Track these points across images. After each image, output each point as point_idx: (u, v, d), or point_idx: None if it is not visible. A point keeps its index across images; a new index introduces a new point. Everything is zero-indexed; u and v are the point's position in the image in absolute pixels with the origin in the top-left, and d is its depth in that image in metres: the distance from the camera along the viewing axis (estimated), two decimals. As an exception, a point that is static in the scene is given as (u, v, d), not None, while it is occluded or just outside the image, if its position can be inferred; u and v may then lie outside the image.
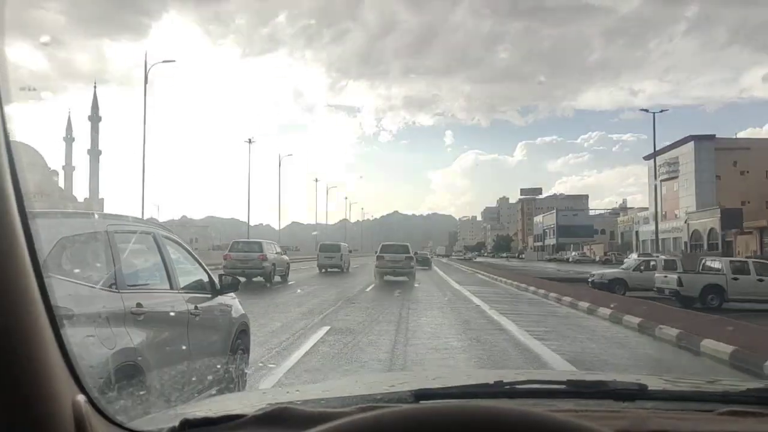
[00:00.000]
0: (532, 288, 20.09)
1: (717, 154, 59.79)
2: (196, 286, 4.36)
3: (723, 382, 1.69)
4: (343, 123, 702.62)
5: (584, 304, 13.99)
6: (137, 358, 2.97)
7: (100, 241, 3.23)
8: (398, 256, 24.11)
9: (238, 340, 4.80)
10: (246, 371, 4.86)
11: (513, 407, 0.72)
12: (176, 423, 1.04)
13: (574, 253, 77.17)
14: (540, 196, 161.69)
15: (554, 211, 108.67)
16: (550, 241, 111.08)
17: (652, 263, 21.85)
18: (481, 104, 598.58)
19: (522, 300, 17.42)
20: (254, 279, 20.18)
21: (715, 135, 62.67)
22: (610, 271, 23.10)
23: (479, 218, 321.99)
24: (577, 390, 1.27)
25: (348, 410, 1.03)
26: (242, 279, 14.58)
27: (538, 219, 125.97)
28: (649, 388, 1.26)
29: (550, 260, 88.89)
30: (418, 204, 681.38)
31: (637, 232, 70.41)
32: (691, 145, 60.92)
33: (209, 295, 4.43)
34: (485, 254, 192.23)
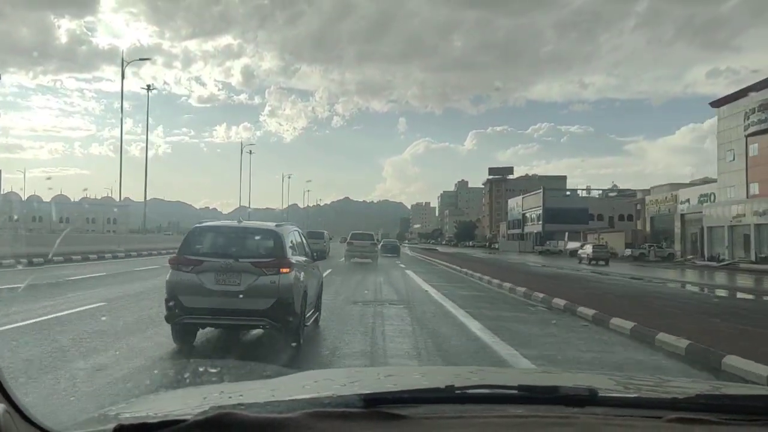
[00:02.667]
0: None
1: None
2: (307, 256, 8.61)
3: (673, 384, 1.66)
4: (295, 107, 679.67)
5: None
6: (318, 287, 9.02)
7: (300, 236, 8.65)
8: (365, 242, 30.34)
9: (321, 285, 9.61)
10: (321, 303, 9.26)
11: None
12: (110, 429, 1.00)
13: (587, 246, 57.51)
14: (511, 176, 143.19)
15: (540, 191, 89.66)
16: (533, 227, 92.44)
17: None
18: (434, 92, 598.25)
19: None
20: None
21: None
22: None
23: (433, 204, 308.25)
24: (528, 395, 1.26)
25: (294, 416, 1.01)
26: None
27: (513, 202, 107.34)
28: (600, 394, 1.26)
29: (542, 252, 69.88)
30: (369, 191, 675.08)
31: (683, 216, 51.44)
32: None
33: (311, 261, 8.84)
34: (444, 243, 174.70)
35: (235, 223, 7.94)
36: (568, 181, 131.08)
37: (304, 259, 8.03)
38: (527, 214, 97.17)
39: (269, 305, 6.66)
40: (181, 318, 6.75)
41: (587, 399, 1.22)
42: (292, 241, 7.65)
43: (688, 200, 51.87)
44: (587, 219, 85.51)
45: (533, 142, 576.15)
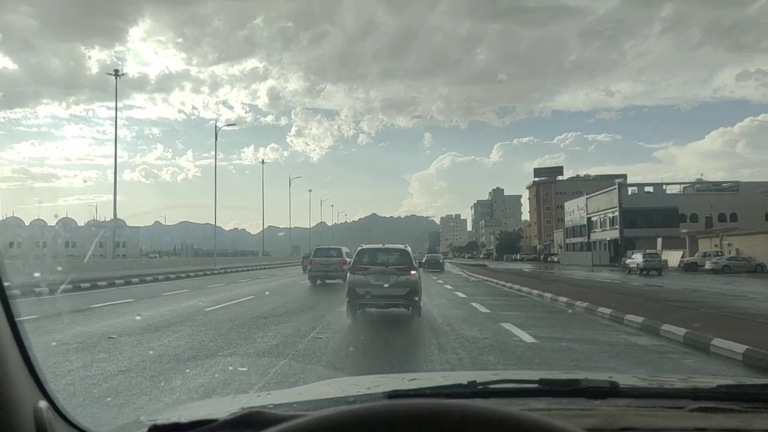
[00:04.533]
0: None
1: None
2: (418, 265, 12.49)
3: (697, 379, 1.66)
4: (321, 126, 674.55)
5: None
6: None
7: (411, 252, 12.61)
8: (330, 259, 25.11)
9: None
10: None
11: (483, 405, 0.71)
12: (144, 430, 1.03)
13: (637, 255, 43.50)
14: (561, 177, 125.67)
15: (613, 188, 72.40)
16: (604, 234, 75.21)
17: None
18: (459, 106, 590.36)
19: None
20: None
21: None
22: None
23: (463, 216, 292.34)
24: (549, 389, 1.28)
25: (320, 414, 1.03)
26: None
27: (573, 205, 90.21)
28: (621, 386, 1.28)
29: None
30: (396, 207, 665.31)
31: None
32: None
33: (418, 268, 12.59)
34: (482, 256, 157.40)
35: (380, 245, 13.01)
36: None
37: (417, 265, 12.50)
38: (594, 219, 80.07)
39: (405, 292, 11.58)
40: (356, 301, 11.70)
41: (609, 391, 1.23)
42: (412, 256, 12.47)
43: None
44: (677, 221, 68.24)
45: (560, 152, 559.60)
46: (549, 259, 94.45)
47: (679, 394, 1.28)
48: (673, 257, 55.76)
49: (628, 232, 68.92)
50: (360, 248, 12.68)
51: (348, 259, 19.44)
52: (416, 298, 11.60)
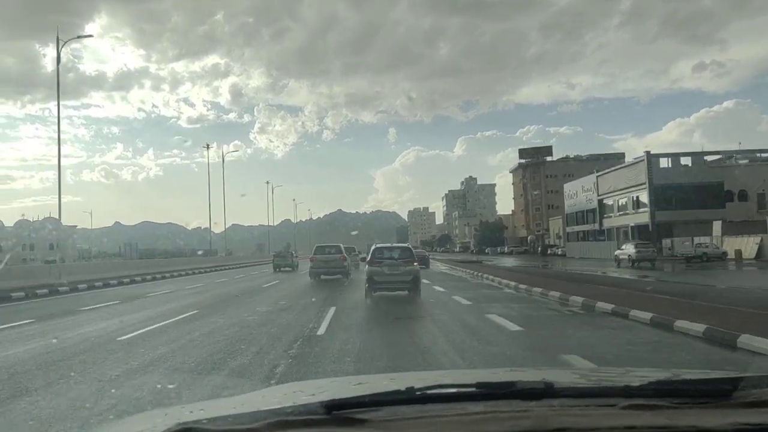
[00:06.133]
0: None
1: None
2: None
3: (636, 374, 1.67)
4: (285, 122, 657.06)
5: None
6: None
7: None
8: (330, 256, 26.13)
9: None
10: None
11: None
12: None
13: (628, 246, 36.11)
14: (550, 158, 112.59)
15: (639, 159, 58.68)
16: (625, 218, 62.04)
17: None
18: (423, 101, 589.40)
19: None
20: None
21: None
22: None
23: (431, 209, 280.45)
24: (486, 392, 1.30)
25: (256, 426, 1.02)
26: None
27: (576, 186, 76.96)
28: (555, 386, 1.30)
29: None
30: (361, 202, 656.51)
31: None
32: None
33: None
34: (456, 250, 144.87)
35: (389, 244, 18.66)
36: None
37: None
38: (608, 201, 66.73)
39: (410, 279, 16.11)
40: (374, 286, 16.01)
41: (543, 392, 1.26)
42: (414, 251, 17.73)
43: None
44: (724, 199, 55.32)
45: (522, 145, 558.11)
46: (550, 251, 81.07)
47: (611, 392, 1.30)
48: (746, 245, 42.50)
49: (663, 215, 55.62)
50: (375, 246, 17.44)
51: (347, 255, 27.01)
52: (418, 283, 16.34)
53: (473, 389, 1.31)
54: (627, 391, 1.26)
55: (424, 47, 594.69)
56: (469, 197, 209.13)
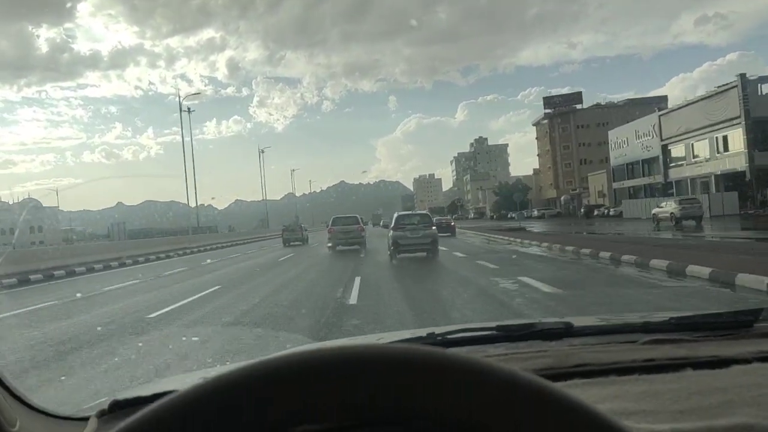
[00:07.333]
0: None
1: None
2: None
3: (652, 316, 1.64)
4: (284, 95, 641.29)
5: None
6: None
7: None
8: (349, 227, 25.74)
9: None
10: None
11: (403, 346, 0.54)
12: (105, 403, 1.01)
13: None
14: (579, 106, 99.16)
15: (732, 83, 45.32)
16: (704, 167, 49.58)
17: None
18: (422, 67, 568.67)
19: None
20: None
21: None
22: None
23: (437, 176, 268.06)
24: (506, 334, 1.32)
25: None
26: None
27: (629, 130, 64.27)
28: (575, 326, 1.32)
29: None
30: (364, 173, 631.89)
31: None
32: None
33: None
34: (471, 217, 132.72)
35: (410, 212, 20.78)
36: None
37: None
38: (676, 146, 53.95)
39: (429, 242, 17.82)
40: (398, 248, 17.52)
41: (564, 332, 1.29)
42: (432, 218, 19.49)
43: None
44: None
45: (524, 108, 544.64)
46: (596, 212, 68.17)
47: (631, 329, 1.31)
48: None
49: (764, 156, 42.90)
50: (397, 214, 19.24)
51: (364, 226, 27.32)
52: (436, 245, 18.19)
53: (493, 332, 1.32)
54: (647, 327, 1.28)
55: (422, 12, 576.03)
56: (480, 159, 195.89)
